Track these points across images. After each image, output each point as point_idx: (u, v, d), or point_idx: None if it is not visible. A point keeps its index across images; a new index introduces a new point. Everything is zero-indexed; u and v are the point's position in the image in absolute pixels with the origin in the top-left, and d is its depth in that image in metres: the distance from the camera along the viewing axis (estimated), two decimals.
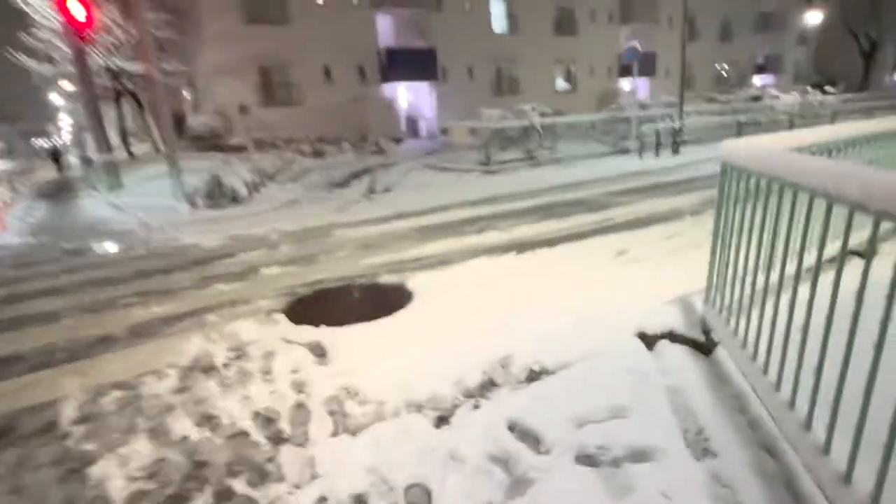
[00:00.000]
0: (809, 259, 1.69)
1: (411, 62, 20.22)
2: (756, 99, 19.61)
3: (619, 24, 28.48)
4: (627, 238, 5.52)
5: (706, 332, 2.62)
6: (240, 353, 3.35)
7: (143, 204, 9.46)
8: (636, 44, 13.36)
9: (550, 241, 5.57)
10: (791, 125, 15.59)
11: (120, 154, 15.06)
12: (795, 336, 1.66)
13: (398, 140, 19.56)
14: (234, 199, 9.43)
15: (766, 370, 1.83)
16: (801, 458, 1.58)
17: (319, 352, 3.29)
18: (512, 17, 24.10)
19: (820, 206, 1.55)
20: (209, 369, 3.15)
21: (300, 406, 2.68)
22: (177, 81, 15.63)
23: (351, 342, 3.33)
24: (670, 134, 12.37)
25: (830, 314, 1.45)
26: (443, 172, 12.62)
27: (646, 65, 29.01)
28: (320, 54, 19.19)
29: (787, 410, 1.64)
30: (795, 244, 1.74)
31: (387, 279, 4.68)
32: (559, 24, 25.93)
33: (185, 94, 20.03)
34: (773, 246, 1.83)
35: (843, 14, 35.24)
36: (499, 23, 23.90)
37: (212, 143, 16.72)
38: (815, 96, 19.88)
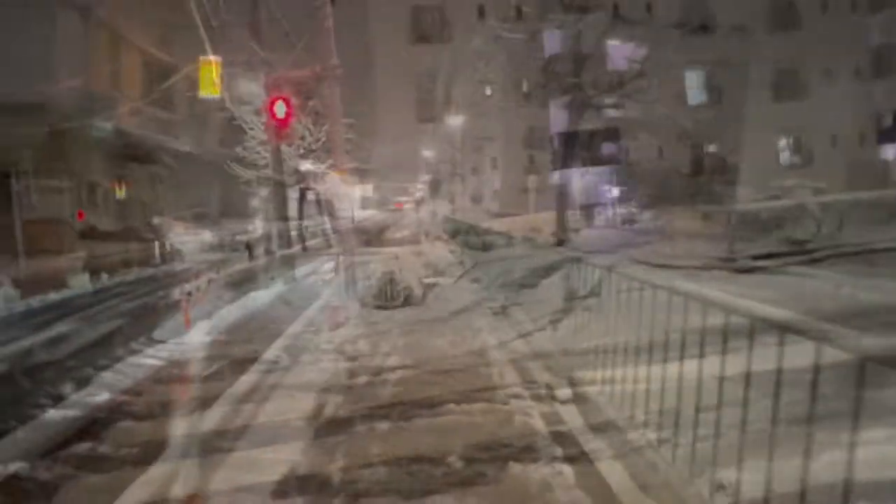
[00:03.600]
0: None
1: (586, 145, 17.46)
2: None
3: (871, 78, 21.52)
4: None
5: None
6: None
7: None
8: None
9: None
10: None
11: (296, 248, 15.22)
12: None
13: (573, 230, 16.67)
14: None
15: None
16: None
17: None
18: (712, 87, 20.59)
19: None
20: None
21: None
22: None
23: None
24: None
25: None
26: (665, 271, 9.13)
27: None
28: None
29: None
30: None
31: None
32: (777, 88, 21.13)
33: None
34: None
35: None
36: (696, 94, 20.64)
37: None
38: None
